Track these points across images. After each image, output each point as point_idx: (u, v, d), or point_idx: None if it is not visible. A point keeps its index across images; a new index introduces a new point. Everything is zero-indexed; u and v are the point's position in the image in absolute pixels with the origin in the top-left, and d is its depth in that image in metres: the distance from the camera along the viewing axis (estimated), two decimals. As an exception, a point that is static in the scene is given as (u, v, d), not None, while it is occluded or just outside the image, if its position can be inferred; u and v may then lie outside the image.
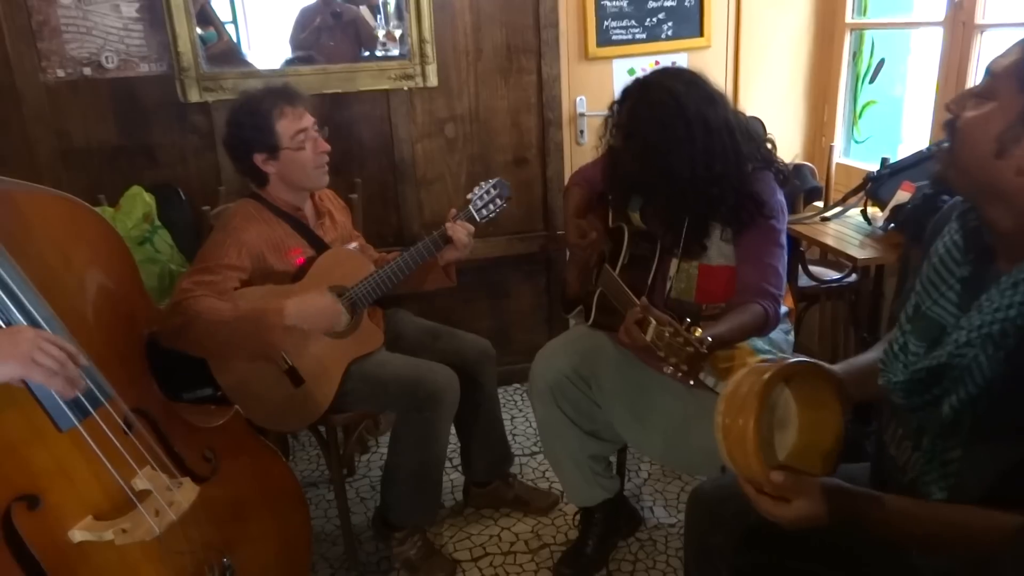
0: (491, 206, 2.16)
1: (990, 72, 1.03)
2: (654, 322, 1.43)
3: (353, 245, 2.22)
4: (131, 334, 1.42)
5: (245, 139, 1.98)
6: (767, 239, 1.81)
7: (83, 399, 1.22)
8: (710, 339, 1.41)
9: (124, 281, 1.40)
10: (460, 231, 2.10)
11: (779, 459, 1.12)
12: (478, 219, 2.15)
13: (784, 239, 1.85)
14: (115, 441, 1.26)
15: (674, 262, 1.89)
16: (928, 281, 1.14)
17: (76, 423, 1.22)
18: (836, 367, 1.27)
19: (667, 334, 1.40)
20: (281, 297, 1.90)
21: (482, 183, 2.17)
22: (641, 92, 1.81)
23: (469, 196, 2.16)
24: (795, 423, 1.14)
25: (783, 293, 1.84)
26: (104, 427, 1.25)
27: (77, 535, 1.23)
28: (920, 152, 2.43)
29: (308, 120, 2.02)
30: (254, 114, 1.97)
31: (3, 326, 1.15)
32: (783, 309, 1.96)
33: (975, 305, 1.04)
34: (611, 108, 1.92)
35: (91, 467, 1.25)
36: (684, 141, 1.73)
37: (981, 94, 1.03)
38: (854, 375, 1.26)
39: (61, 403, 1.20)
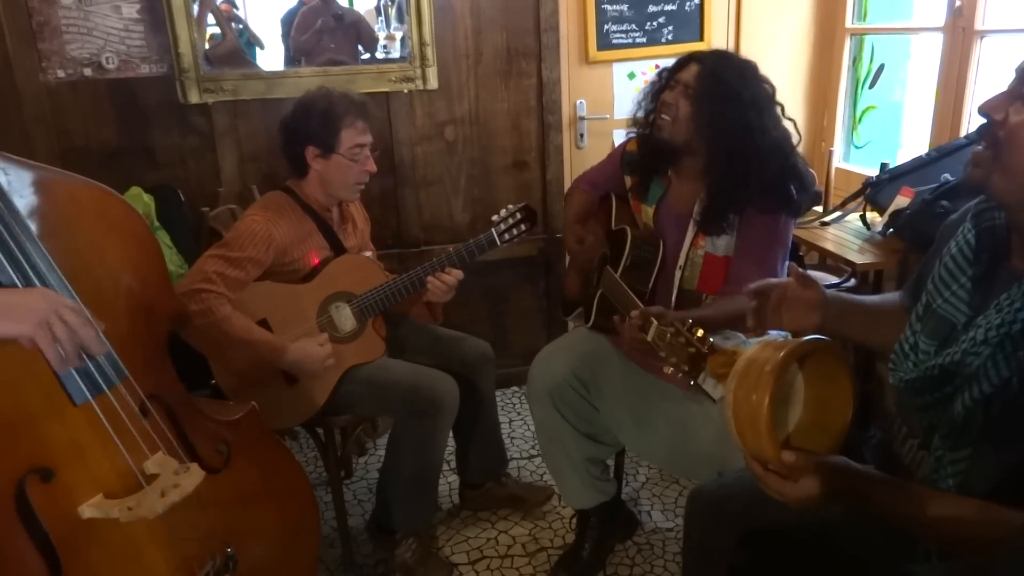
0: (514, 230, 2.14)
1: None
2: (655, 322, 1.44)
3: (368, 254, 2.23)
4: (153, 323, 1.44)
5: (308, 129, 2.00)
6: (771, 236, 1.83)
7: (97, 376, 1.25)
8: (712, 340, 1.42)
9: (150, 271, 1.43)
10: (438, 283, 2.07)
11: (783, 435, 1.11)
12: (499, 243, 2.13)
13: (788, 239, 1.87)
14: (128, 422, 1.29)
15: (683, 252, 1.90)
16: (940, 280, 1.15)
17: (90, 398, 1.25)
18: (828, 293, 1.31)
19: (668, 335, 1.41)
20: (287, 315, 1.96)
21: (509, 206, 2.16)
22: (717, 64, 1.83)
23: (494, 218, 2.15)
24: (800, 399, 1.14)
25: None
26: (117, 406, 1.28)
27: (87, 511, 1.26)
28: (919, 157, 2.43)
29: (368, 138, 2.06)
30: (327, 112, 2.00)
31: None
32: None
33: (994, 304, 1.03)
34: (661, 75, 1.93)
35: (104, 446, 1.28)
36: (763, 112, 1.80)
37: None
38: (838, 306, 1.29)
39: (76, 376, 1.23)
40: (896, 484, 1.08)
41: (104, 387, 1.27)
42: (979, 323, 1.04)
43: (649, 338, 1.45)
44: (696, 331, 1.38)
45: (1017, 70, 1.02)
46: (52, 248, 1.24)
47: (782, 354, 1.05)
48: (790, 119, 1.89)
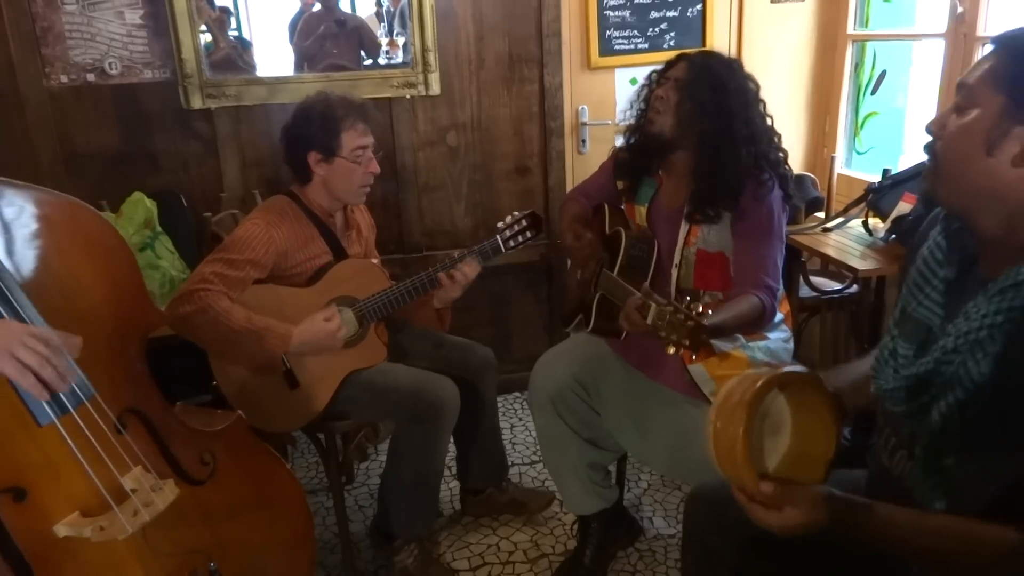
0: (519, 237, 2.15)
1: (965, 85, 1.06)
2: (654, 305, 1.46)
3: (373, 262, 2.23)
4: (130, 336, 1.42)
5: (309, 135, 2.00)
6: (765, 230, 1.84)
7: (63, 397, 1.22)
8: (710, 311, 1.45)
9: (125, 284, 1.41)
10: (458, 275, 2.08)
11: (771, 465, 1.12)
12: (504, 249, 2.13)
13: (783, 232, 1.89)
14: (96, 441, 1.26)
15: (677, 250, 1.91)
16: (913, 283, 1.17)
17: (54, 419, 1.22)
18: (830, 374, 1.28)
19: (668, 313, 1.43)
20: (289, 317, 1.92)
21: (515, 213, 2.16)
22: (704, 58, 1.89)
23: (500, 224, 2.15)
24: (788, 428, 1.14)
25: (779, 285, 1.85)
26: (83, 426, 1.25)
27: (62, 530, 1.24)
28: (922, 164, 2.42)
29: (370, 140, 2.06)
30: (326, 116, 1.99)
31: None
32: (778, 316, 1.97)
33: (962, 312, 1.04)
34: (651, 77, 1.98)
35: (77, 464, 1.25)
36: (748, 103, 1.87)
37: (960, 106, 1.06)
38: (847, 383, 1.27)
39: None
40: (883, 508, 1.07)
41: (70, 407, 1.23)
42: (949, 331, 1.05)
43: (649, 320, 1.48)
44: (695, 305, 1.41)
45: (957, 86, 1.08)
46: (20, 263, 1.21)
47: (758, 385, 1.06)
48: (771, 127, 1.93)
